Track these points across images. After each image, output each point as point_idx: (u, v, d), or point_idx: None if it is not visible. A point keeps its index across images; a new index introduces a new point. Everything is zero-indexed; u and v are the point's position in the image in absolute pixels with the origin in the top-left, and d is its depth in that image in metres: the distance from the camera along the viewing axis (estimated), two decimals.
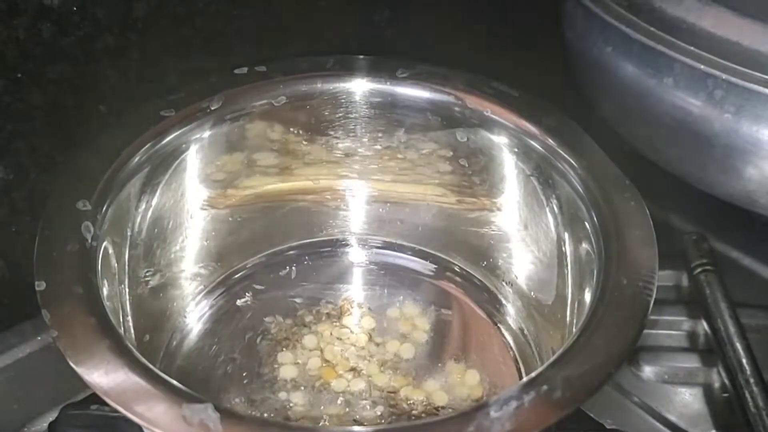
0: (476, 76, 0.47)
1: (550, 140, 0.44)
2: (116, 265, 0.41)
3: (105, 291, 0.37)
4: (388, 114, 0.49)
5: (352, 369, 0.46)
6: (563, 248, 0.44)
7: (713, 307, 0.48)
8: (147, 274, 0.45)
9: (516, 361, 0.47)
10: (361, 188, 0.52)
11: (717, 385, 0.46)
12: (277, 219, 0.52)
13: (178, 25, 0.54)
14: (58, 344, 0.33)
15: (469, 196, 0.50)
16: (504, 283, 0.50)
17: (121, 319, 0.40)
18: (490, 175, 0.48)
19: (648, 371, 0.47)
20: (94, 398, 0.33)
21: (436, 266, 0.52)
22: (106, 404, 0.31)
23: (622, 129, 0.54)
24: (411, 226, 0.53)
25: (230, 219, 0.50)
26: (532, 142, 0.44)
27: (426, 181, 0.51)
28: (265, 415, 0.43)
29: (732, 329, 0.46)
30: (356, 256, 0.53)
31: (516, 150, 0.46)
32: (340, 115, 0.49)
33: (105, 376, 0.32)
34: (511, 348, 0.47)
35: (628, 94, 0.51)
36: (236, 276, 0.51)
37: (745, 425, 0.42)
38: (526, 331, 0.48)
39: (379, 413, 0.43)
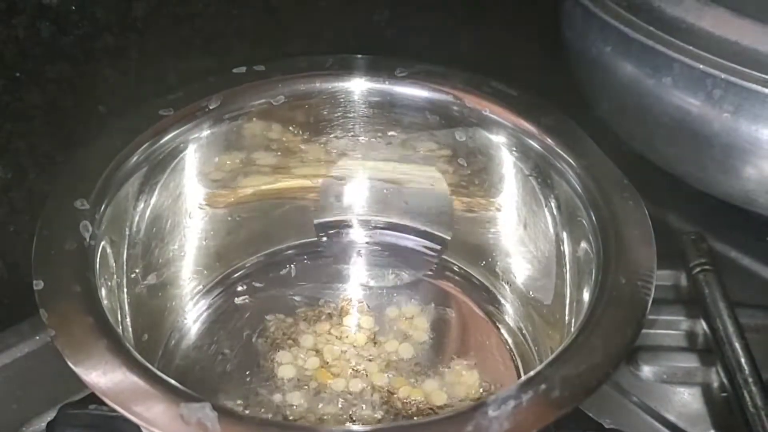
0: (475, 76, 0.47)
1: (549, 140, 0.44)
2: (114, 264, 0.41)
3: (103, 290, 0.37)
4: (386, 113, 0.49)
5: (351, 369, 0.46)
6: (562, 248, 0.44)
7: (712, 306, 0.48)
8: (145, 273, 0.45)
9: (514, 360, 0.47)
10: (359, 189, 0.52)
11: (715, 384, 0.46)
12: (275, 218, 0.52)
13: (177, 24, 0.54)
14: (56, 343, 0.33)
15: (467, 196, 0.50)
16: (503, 283, 0.50)
17: (120, 319, 0.40)
18: (489, 174, 0.48)
19: (647, 371, 0.47)
20: (93, 398, 0.33)
21: (439, 246, 0.52)
22: (105, 404, 0.31)
23: (621, 128, 0.54)
24: (415, 212, 0.53)
25: (229, 218, 0.50)
26: (531, 142, 0.44)
27: (424, 182, 0.51)
28: (263, 414, 0.43)
29: (731, 329, 0.46)
30: (356, 259, 0.53)
31: (514, 149, 0.46)
32: (339, 114, 0.49)
33: (103, 376, 0.32)
34: (509, 347, 0.47)
35: (627, 94, 0.51)
36: (235, 275, 0.51)
37: (743, 425, 0.42)
38: (524, 331, 0.48)
39: (377, 413, 0.43)
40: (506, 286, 0.50)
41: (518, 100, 0.46)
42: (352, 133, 0.50)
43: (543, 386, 0.31)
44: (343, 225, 0.53)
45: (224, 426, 0.30)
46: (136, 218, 0.43)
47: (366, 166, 0.51)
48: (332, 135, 0.50)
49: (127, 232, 0.43)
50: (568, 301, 0.43)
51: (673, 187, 0.53)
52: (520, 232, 0.48)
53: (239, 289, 0.50)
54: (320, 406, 0.44)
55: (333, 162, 0.51)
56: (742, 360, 0.45)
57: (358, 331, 0.48)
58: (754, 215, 0.50)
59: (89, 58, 0.51)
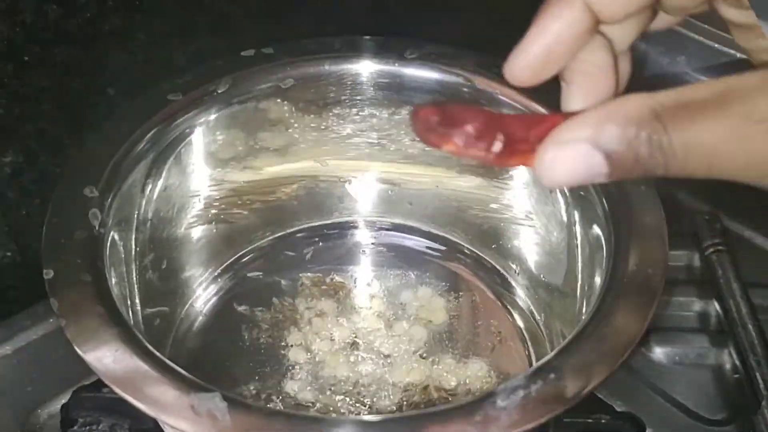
0: (485, 57, 0.47)
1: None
2: (123, 250, 0.41)
3: (113, 278, 0.38)
4: (396, 95, 0.48)
5: (362, 352, 0.46)
6: (573, 230, 0.44)
7: (725, 287, 0.47)
8: (155, 258, 0.45)
9: (525, 343, 0.47)
10: (369, 170, 0.52)
11: (728, 366, 0.46)
12: (284, 201, 0.52)
13: (184, 5, 0.54)
14: (67, 333, 0.33)
15: (477, 178, 0.50)
16: (514, 266, 0.50)
17: (129, 305, 0.40)
18: None
19: (658, 352, 0.47)
20: None
21: (445, 247, 0.52)
22: None
23: None
24: (420, 207, 0.53)
25: (238, 202, 0.50)
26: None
27: (434, 163, 0.51)
28: (273, 399, 0.43)
29: (744, 310, 0.46)
30: (365, 237, 0.53)
31: None
32: (348, 96, 0.48)
33: (114, 365, 0.32)
34: (521, 330, 0.47)
35: (641, 73, 0.50)
36: (244, 259, 0.51)
37: (755, 406, 0.42)
38: (536, 314, 0.48)
39: (387, 398, 0.43)
40: (518, 269, 0.50)
41: None
42: (361, 115, 0.49)
43: (552, 376, 0.31)
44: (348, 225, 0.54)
45: (234, 416, 0.30)
46: (144, 203, 0.44)
47: (371, 166, 0.52)
48: (341, 117, 0.49)
49: (135, 218, 0.43)
50: (579, 285, 0.43)
51: None
52: (532, 216, 0.48)
53: (249, 273, 0.50)
54: (330, 390, 0.44)
55: (342, 145, 0.51)
56: (755, 341, 0.44)
57: (369, 314, 0.48)
58: None
59: (97, 41, 0.51)
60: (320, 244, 0.52)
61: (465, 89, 0.46)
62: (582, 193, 0.42)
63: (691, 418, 0.44)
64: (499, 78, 0.45)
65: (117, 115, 0.43)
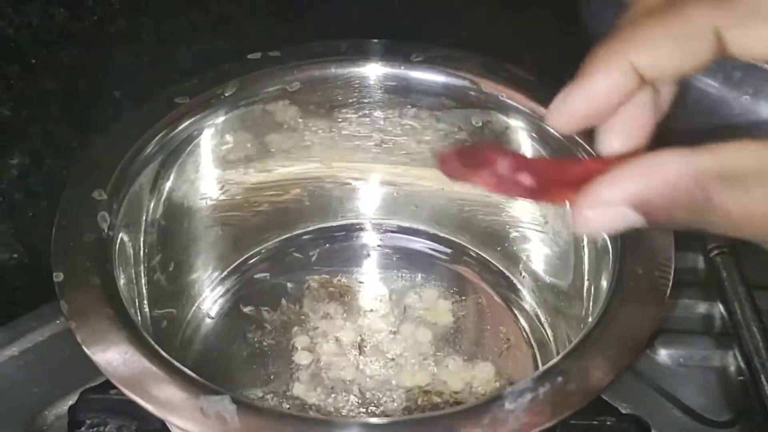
0: (491, 60, 0.47)
1: None
2: (132, 252, 0.41)
3: (122, 280, 0.38)
4: (402, 98, 0.48)
5: (368, 355, 0.46)
6: (580, 234, 0.44)
7: (729, 289, 0.47)
8: (162, 260, 0.45)
9: (531, 346, 0.47)
10: (375, 172, 0.52)
11: (732, 368, 0.46)
12: (291, 203, 0.52)
13: (190, 7, 0.54)
14: (77, 335, 0.33)
15: None
16: (520, 268, 0.50)
17: (138, 307, 0.40)
18: None
19: (663, 354, 0.47)
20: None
21: (450, 250, 0.52)
22: None
23: None
24: (426, 210, 0.53)
25: (245, 204, 0.50)
26: (548, 128, 0.44)
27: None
28: (279, 401, 0.43)
29: (748, 312, 0.46)
30: (371, 239, 0.53)
31: (533, 135, 0.45)
32: (354, 99, 0.48)
33: (123, 368, 0.32)
34: (526, 333, 0.48)
35: None
36: (251, 261, 0.51)
37: (760, 409, 0.42)
38: (542, 317, 0.48)
39: (394, 401, 0.44)
40: (523, 272, 0.50)
41: (535, 84, 0.45)
42: (368, 118, 0.50)
43: (560, 379, 0.31)
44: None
45: (243, 419, 0.30)
46: (153, 205, 0.44)
47: (377, 169, 0.52)
48: (348, 120, 0.50)
49: (144, 221, 0.43)
50: (585, 287, 0.43)
51: None
52: (538, 217, 0.48)
53: (255, 274, 0.51)
54: (336, 392, 0.44)
55: (349, 147, 0.51)
56: (760, 344, 0.44)
57: (375, 316, 0.48)
58: None
59: (103, 43, 0.51)
60: (326, 246, 0.52)
61: (471, 92, 0.46)
62: None
63: (695, 420, 0.44)
64: (505, 80, 0.46)
65: (125, 118, 0.43)
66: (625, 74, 0.25)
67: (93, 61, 0.51)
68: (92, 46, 0.51)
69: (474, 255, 0.52)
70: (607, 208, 0.23)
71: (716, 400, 0.46)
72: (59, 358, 0.46)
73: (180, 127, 0.44)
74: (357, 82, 0.48)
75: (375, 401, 0.44)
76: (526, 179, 0.24)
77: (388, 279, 0.50)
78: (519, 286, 0.50)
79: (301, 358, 0.46)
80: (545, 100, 0.44)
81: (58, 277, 0.35)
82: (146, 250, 0.43)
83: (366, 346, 0.47)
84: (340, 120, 0.49)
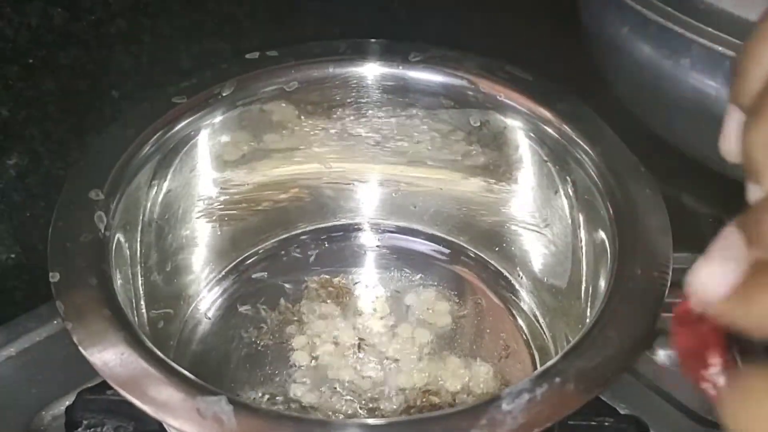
0: (489, 60, 0.47)
1: (565, 126, 0.43)
2: (129, 253, 0.41)
3: (118, 280, 0.38)
4: (400, 98, 0.48)
5: (366, 355, 0.46)
6: (578, 232, 0.44)
7: None
8: (159, 261, 0.45)
9: (530, 346, 0.47)
10: (373, 172, 0.52)
11: None
12: (289, 203, 0.52)
13: (189, 8, 0.54)
14: (73, 336, 0.33)
15: (481, 181, 0.50)
16: (518, 269, 0.50)
17: (135, 307, 0.40)
18: (504, 159, 0.48)
19: (662, 355, 0.47)
20: None
21: (449, 251, 0.52)
22: None
23: (639, 110, 0.54)
24: (424, 210, 0.53)
25: (242, 204, 0.50)
26: (547, 128, 0.44)
27: (439, 165, 0.51)
28: (277, 401, 0.43)
29: None
30: (369, 240, 0.53)
31: (531, 135, 0.45)
32: (352, 99, 0.48)
33: (120, 368, 0.32)
34: (524, 333, 0.47)
35: (645, 75, 0.50)
36: (249, 261, 0.51)
37: None
38: (540, 317, 0.48)
39: (393, 402, 0.43)
40: (522, 273, 0.50)
41: (533, 85, 0.45)
42: (366, 118, 0.50)
43: (557, 379, 0.31)
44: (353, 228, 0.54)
45: (240, 419, 0.30)
46: (149, 206, 0.44)
47: (375, 169, 0.52)
48: (346, 120, 0.50)
49: (141, 221, 0.43)
50: (584, 288, 0.43)
51: (692, 169, 0.52)
52: (536, 217, 0.48)
53: (253, 274, 0.51)
54: (334, 393, 0.44)
55: (346, 147, 0.51)
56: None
57: (373, 316, 0.48)
58: None
59: (102, 44, 0.51)
60: (325, 246, 0.52)
61: (469, 92, 0.46)
62: (587, 197, 0.42)
63: (693, 420, 0.44)
64: (503, 80, 0.46)
65: (122, 118, 0.43)
66: None
67: (92, 62, 0.51)
68: (91, 46, 0.50)
69: (472, 255, 0.52)
70: None
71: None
72: (56, 358, 0.46)
73: (177, 127, 0.44)
74: (355, 81, 0.48)
75: (373, 402, 0.44)
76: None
77: (387, 279, 0.50)
78: (517, 286, 0.50)
79: (299, 358, 0.46)
80: (543, 100, 0.44)
81: (55, 277, 0.35)
82: (143, 251, 0.43)
83: (364, 347, 0.46)
84: (338, 120, 0.49)
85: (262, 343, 0.47)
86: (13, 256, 0.52)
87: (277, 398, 0.44)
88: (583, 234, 0.43)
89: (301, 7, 0.59)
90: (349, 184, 0.52)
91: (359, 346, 0.46)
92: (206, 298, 0.49)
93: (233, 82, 0.45)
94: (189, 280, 0.48)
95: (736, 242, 0.20)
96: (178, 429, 0.31)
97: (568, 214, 0.45)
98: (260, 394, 0.44)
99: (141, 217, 0.43)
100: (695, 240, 0.51)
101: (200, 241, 0.49)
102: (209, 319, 0.48)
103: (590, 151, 0.42)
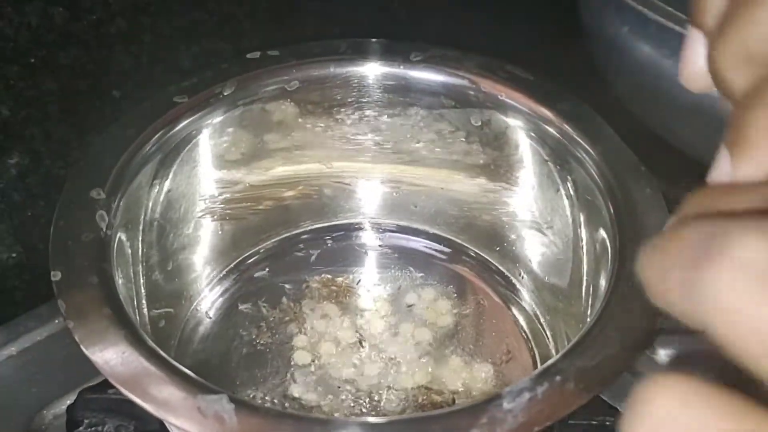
0: (490, 60, 0.47)
1: (566, 125, 0.43)
2: (130, 252, 0.41)
3: (120, 279, 0.38)
4: (401, 98, 0.48)
5: (366, 355, 0.46)
6: (579, 231, 0.44)
7: None
8: (161, 260, 0.45)
9: (530, 345, 0.47)
10: (374, 172, 0.52)
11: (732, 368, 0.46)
12: (290, 202, 0.52)
13: (189, 8, 0.54)
14: (74, 335, 0.33)
15: (482, 180, 0.50)
16: (519, 268, 0.50)
17: (136, 306, 0.40)
18: (505, 159, 0.48)
19: (663, 354, 0.47)
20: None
21: (450, 250, 0.52)
22: None
23: (639, 109, 0.54)
24: (425, 210, 0.53)
25: (244, 203, 0.50)
26: (547, 127, 0.44)
27: (440, 165, 0.51)
28: (278, 400, 0.43)
29: None
30: (370, 239, 0.53)
31: (532, 134, 0.45)
32: (353, 99, 0.48)
33: (121, 367, 0.32)
34: (525, 333, 0.47)
35: (645, 74, 0.50)
36: (250, 261, 0.51)
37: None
38: (540, 316, 0.48)
39: (392, 402, 0.44)
40: (523, 272, 0.50)
41: (534, 84, 0.45)
42: (367, 118, 0.50)
43: (558, 378, 0.31)
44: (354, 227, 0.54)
45: (241, 418, 0.30)
46: (151, 205, 0.44)
47: (376, 168, 0.52)
48: (347, 119, 0.50)
49: (142, 220, 0.43)
50: (584, 287, 0.43)
51: (691, 168, 0.52)
52: (537, 217, 0.48)
53: (255, 274, 0.51)
54: (335, 392, 0.44)
55: (348, 146, 0.51)
56: None
57: (374, 316, 0.48)
58: None
59: (102, 44, 0.51)
60: (326, 245, 0.52)
61: (470, 91, 0.46)
62: (588, 197, 0.42)
63: None
64: (504, 80, 0.46)
65: (123, 117, 0.43)
66: None
67: (92, 62, 0.51)
68: (92, 46, 0.51)
69: (473, 255, 0.52)
70: None
71: None
72: (57, 357, 0.46)
73: (179, 127, 0.44)
74: (356, 81, 0.48)
75: (373, 401, 0.44)
76: None
77: (387, 278, 0.50)
78: (518, 285, 0.50)
79: (300, 357, 0.46)
80: (544, 99, 0.44)
81: (56, 276, 0.35)
82: (144, 250, 0.43)
83: (364, 346, 0.46)
84: (339, 119, 0.49)
85: (263, 342, 0.47)
86: (13, 255, 0.52)
87: (278, 397, 0.44)
88: (583, 233, 0.43)
89: (302, 6, 0.59)
90: (349, 183, 0.52)
91: (360, 345, 0.46)
92: (207, 298, 0.49)
93: (234, 82, 0.45)
94: (190, 280, 0.48)
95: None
96: (180, 427, 0.31)
97: (568, 214, 0.45)
98: (261, 393, 0.44)
99: (142, 217, 0.43)
100: None
101: (201, 240, 0.49)
102: (210, 318, 0.48)
103: (591, 151, 0.42)
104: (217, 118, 0.46)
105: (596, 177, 0.41)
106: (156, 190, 0.44)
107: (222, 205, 0.49)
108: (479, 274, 0.51)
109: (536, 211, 0.48)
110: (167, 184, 0.45)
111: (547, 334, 0.47)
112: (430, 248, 0.52)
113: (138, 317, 0.39)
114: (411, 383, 0.44)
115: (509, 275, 0.50)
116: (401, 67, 0.47)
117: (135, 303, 0.40)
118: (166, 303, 0.45)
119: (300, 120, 0.49)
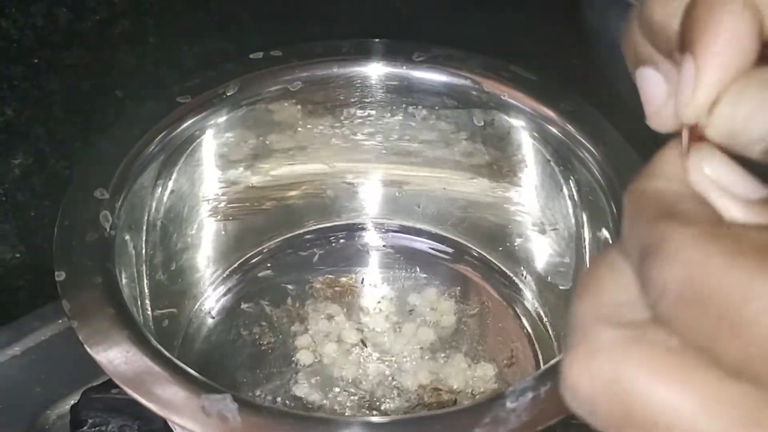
0: (493, 60, 0.47)
1: (569, 125, 0.43)
2: (134, 252, 0.41)
3: (123, 279, 0.38)
4: (404, 98, 0.48)
5: (370, 354, 0.46)
6: (582, 233, 0.44)
7: None
8: (164, 260, 0.45)
9: (533, 345, 0.47)
10: (377, 172, 0.52)
11: None
12: (293, 202, 0.52)
13: (193, 8, 0.54)
14: (79, 335, 0.33)
15: (485, 180, 0.50)
16: (521, 268, 0.50)
17: (140, 306, 0.40)
18: (508, 159, 0.48)
19: None
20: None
21: (453, 250, 0.52)
22: None
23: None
24: (428, 210, 0.53)
25: (247, 203, 0.50)
26: (550, 127, 0.44)
27: (443, 165, 0.51)
28: (281, 400, 0.43)
29: None
30: (373, 239, 0.53)
31: (535, 134, 0.45)
32: (356, 99, 0.48)
33: (125, 366, 0.32)
34: (528, 332, 0.47)
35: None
36: (253, 260, 0.51)
37: None
38: (543, 316, 0.48)
39: (395, 401, 0.44)
40: (525, 272, 0.50)
41: (537, 84, 0.45)
42: (369, 117, 0.50)
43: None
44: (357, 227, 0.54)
45: (244, 417, 0.30)
46: (155, 205, 0.44)
47: (379, 169, 0.52)
48: (350, 120, 0.50)
49: (146, 220, 0.43)
50: None
51: None
52: (540, 217, 0.48)
53: (258, 274, 0.51)
54: (338, 391, 0.44)
55: (350, 146, 0.51)
56: None
57: (377, 315, 0.48)
58: None
59: (106, 44, 0.51)
60: (328, 246, 0.52)
61: (473, 91, 0.46)
62: (591, 197, 0.42)
63: None
64: (507, 80, 0.46)
65: (127, 117, 0.43)
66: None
67: (96, 62, 0.51)
68: (95, 46, 0.51)
69: (476, 255, 0.52)
70: None
71: None
72: (61, 357, 0.46)
73: (182, 127, 0.44)
74: (359, 81, 0.48)
75: (376, 400, 0.44)
76: None
77: (390, 279, 0.50)
78: (521, 285, 0.50)
79: (303, 357, 0.46)
80: (547, 99, 0.44)
81: (60, 276, 0.35)
82: (148, 250, 0.43)
83: (367, 345, 0.46)
84: (342, 119, 0.49)
85: (266, 342, 0.47)
86: (17, 255, 0.52)
87: (281, 397, 0.44)
88: (586, 233, 0.43)
89: (304, 7, 0.59)
90: (352, 183, 0.52)
91: (362, 345, 0.47)
92: (211, 297, 0.49)
93: (237, 82, 0.46)
94: (194, 279, 0.49)
95: None
96: (183, 427, 0.31)
97: (571, 213, 0.45)
98: (264, 393, 0.44)
99: (146, 217, 0.43)
100: None
101: (205, 240, 0.49)
102: (214, 318, 0.48)
103: (594, 151, 0.42)
104: (221, 119, 0.46)
105: (599, 177, 0.41)
106: (159, 190, 0.44)
107: (225, 205, 0.49)
108: (482, 275, 0.51)
109: (539, 212, 0.48)
110: (171, 184, 0.45)
111: (549, 334, 0.47)
112: (433, 248, 0.52)
113: (141, 317, 0.40)
114: (414, 383, 0.44)
115: (512, 275, 0.50)
116: (404, 67, 0.47)
117: (138, 303, 0.40)
118: (169, 303, 0.46)
119: (303, 120, 0.49)
